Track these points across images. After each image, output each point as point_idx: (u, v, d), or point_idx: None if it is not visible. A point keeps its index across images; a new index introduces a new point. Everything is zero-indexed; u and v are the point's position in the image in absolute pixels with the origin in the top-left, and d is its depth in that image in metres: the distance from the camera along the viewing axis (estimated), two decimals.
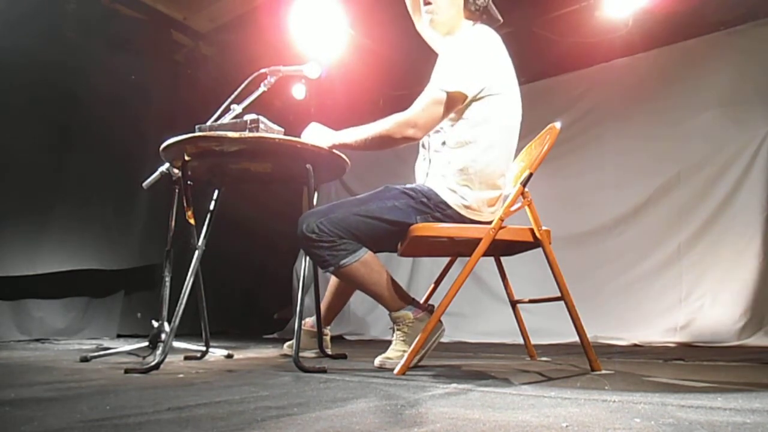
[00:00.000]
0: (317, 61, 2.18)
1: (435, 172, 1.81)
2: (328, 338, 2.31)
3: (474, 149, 1.73)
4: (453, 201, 1.74)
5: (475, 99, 1.71)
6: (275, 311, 5.08)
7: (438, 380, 1.45)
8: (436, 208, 1.74)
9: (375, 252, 1.79)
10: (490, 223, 1.79)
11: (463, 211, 1.75)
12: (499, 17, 1.95)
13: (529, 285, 2.69)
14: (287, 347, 2.33)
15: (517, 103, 1.84)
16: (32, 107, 3.38)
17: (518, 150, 2.04)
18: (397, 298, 1.78)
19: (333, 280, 2.20)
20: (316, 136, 1.86)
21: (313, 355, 2.25)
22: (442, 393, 1.22)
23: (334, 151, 1.85)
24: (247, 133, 1.73)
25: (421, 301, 1.88)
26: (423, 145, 1.90)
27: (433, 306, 1.82)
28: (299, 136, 1.82)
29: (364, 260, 1.72)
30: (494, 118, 1.74)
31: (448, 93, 1.68)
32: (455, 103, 1.71)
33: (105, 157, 3.70)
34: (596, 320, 3.01)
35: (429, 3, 1.86)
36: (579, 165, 3.69)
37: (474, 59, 1.73)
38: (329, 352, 2.28)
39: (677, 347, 2.87)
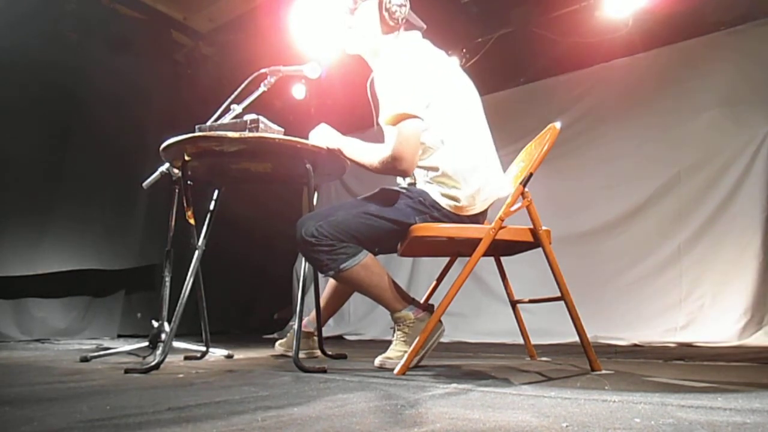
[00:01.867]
0: (317, 61, 2.18)
1: (418, 181, 1.82)
2: (315, 339, 2.30)
3: (438, 157, 1.72)
4: (444, 203, 1.74)
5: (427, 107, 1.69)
6: (275, 311, 5.08)
7: (438, 380, 1.45)
8: (432, 207, 1.74)
9: (375, 254, 1.79)
10: (483, 213, 1.79)
11: (455, 210, 1.75)
12: (422, 24, 1.90)
13: (529, 285, 2.69)
14: (279, 345, 2.33)
15: (462, 96, 1.82)
16: (32, 107, 3.38)
17: (518, 150, 2.05)
18: (398, 299, 1.78)
19: (332, 281, 2.20)
20: (321, 136, 1.85)
21: (304, 355, 2.24)
22: (442, 393, 1.22)
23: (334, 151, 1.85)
24: (247, 133, 1.73)
25: (421, 301, 1.88)
26: None
27: (433, 306, 1.82)
28: (300, 136, 1.82)
29: (364, 263, 1.72)
30: (445, 123, 1.72)
31: (410, 114, 1.63)
32: (420, 122, 1.66)
33: (105, 157, 3.70)
34: (596, 320, 3.01)
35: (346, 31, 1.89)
36: (579, 165, 3.69)
37: (406, 80, 1.67)
38: (317, 352, 2.28)
39: (677, 347, 2.87)
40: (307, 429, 0.83)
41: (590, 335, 1.84)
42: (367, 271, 1.73)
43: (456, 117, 1.75)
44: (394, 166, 1.66)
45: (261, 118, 1.80)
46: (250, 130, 1.76)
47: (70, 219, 3.57)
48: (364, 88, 1.96)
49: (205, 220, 2.03)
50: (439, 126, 1.71)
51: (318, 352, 2.29)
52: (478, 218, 1.80)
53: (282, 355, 2.30)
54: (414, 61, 1.72)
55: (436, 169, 1.73)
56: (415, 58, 1.74)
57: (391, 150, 1.64)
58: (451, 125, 1.73)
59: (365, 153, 1.75)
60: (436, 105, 1.71)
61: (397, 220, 1.72)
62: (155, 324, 2.19)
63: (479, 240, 1.66)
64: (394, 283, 1.80)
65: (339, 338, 4.18)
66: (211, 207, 2.08)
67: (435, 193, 1.75)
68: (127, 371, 1.64)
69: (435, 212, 1.74)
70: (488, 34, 3.92)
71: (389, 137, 1.67)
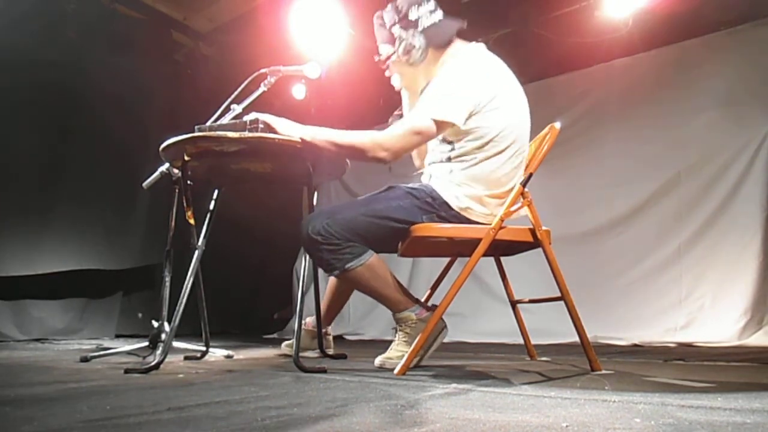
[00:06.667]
0: (317, 61, 2.18)
1: (438, 174, 1.80)
2: (330, 338, 2.31)
3: (478, 161, 1.72)
4: (455, 204, 1.74)
5: (473, 114, 1.67)
6: (275, 311, 5.08)
7: (438, 380, 1.45)
8: (440, 207, 1.74)
9: (378, 252, 1.78)
10: (490, 223, 1.79)
11: (465, 213, 1.75)
12: (461, 23, 1.84)
13: (529, 285, 2.69)
14: (285, 346, 2.33)
15: (519, 110, 1.80)
16: (32, 107, 3.38)
17: None
18: (402, 300, 1.77)
19: (332, 280, 2.19)
20: (290, 128, 1.75)
21: (315, 355, 2.25)
22: (442, 393, 1.22)
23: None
24: (247, 133, 1.72)
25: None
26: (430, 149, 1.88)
27: (436, 307, 1.82)
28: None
29: (369, 264, 1.71)
30: (495, 131, 1.70)
31: (435, 121, 1.64)
32: (440, 131, 1.68)
33: (105, 157, 3.70)
34: (596, 320, 3.01)
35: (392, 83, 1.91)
36: (579, 165, 3.69)
37: (464, 83, 1.69)
38: (331, 352, 2.28)
39: (677, 347, 2.87)
40: (307, 429, 0.83)
41: (590, 335, 1.84)
42: (372, 272, 1.72)
43: (500, 132, 1.71)
44: (379, 149, 1.64)
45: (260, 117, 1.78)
46: (250, 130, 1.75)
47: (70, 219, 3.57)
48: (364, 87, 1.96)
49: (205, 220, 2.02)
50: (488, 131, 1.69)
51: (331, 352, 2.29)
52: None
53: (286, 355, 2.30)
54: (472, 69, 1.72)
55: (465, 172, 1.71)
56: (474, 66, 1.74)
57: (389, 136, 1.65)
58: (492, 138, 1.70)
59: (346, 135, 1.70)
60: (489, 112, 1.68)
61: (405, 219, 1.71)
62: (155, 324, 2.19)
63: (479, 240, 1.66)
64: (399, 285, 1.80)
65: (339, 338, 4.18)
66: (211, 207, 2.08)
67: (447, 192, 1.72)
68: (127, 371, 1.64)
69: (443, 212, 1.73)
70: (488, 35, 3.91)
71: (399, 125, 1.68)
